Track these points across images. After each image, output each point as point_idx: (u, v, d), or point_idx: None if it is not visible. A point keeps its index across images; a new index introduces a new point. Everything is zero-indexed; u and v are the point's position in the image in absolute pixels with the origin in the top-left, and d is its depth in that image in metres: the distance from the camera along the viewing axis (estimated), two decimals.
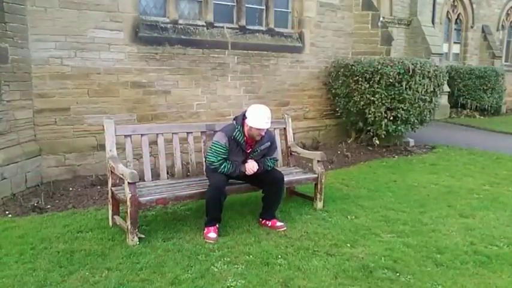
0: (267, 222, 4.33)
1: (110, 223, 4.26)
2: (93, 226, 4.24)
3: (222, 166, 4.11)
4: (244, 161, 4.21)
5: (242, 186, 4.46)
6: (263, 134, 4.16)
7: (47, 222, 4.33)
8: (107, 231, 4.10)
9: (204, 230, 4.07)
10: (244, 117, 4.16)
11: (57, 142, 5.73)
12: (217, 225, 4.09)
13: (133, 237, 3.80)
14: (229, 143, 4.10)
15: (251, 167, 4.17)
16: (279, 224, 4.30)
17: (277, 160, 4.57)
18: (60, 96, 5.69)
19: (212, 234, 3.98)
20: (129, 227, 3.77)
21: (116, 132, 4.21)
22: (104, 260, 3.52)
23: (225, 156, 4.11)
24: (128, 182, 3.72)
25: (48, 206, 4.83)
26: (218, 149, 4.10)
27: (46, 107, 5.60)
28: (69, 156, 5.81)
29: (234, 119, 4.27)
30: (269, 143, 4.33)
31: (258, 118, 4.08)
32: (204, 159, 4.78)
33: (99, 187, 5.49)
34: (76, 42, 5.69)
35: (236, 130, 4.13)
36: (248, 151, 4.23)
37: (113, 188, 4.18)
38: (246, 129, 4.14)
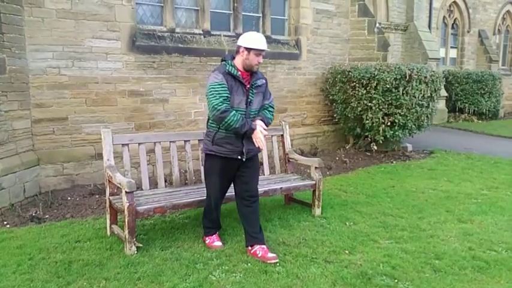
0: (258, 252, 3.79)
1: (108, 232, 4.25)
2: (91, 236, 4.24)
3: (231, 114, 3.59)
4: (246, 101, 3.74)
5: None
6: (261, 60, 3.76)
7: (45, 232, 4.33)
8: (105, 241, 4.09)
9: (205, 240, 4.05)
10: (232, 56, 3.80)
11: (55, 152, 5.73)
12: (217, 233, 4.10)
13: (131, 247, 3.79)
14: (226, 79, 3.65)
15: (261, 123, 3.75)
16: (270, 255, 3.76)
17: (273, 108, 4.06)
18: (58, 106, 5.70)
19: (218, 243, 3.97)
20: (127, 236, 3.77)
21: (113, 142, 4.21)
22: (102, 270, 3.52)
23: (227, 95, 3.63)
24: (126, 191, 3.72)
25: (47, 216, 4.83)
26: (216, 88, 3.62)
27: (44, 117, 5.62)
28: (67, 165, 5.82)
29: (221, 60, 3.84)
30: (265, 80, 3.93)
31: (256, 38, 3.73)
32: (201, 167, 4.79)
33: (97, 196, 5.49)
34: (73, 51, 5.72)
35: (228, 65, 3.71)
36: (247, 86, 3.77)
37: (110, 197, 4.18)
38: (240, 61, 3.73)
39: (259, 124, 3.75)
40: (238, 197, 3.97)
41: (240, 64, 3.74)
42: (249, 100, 3.77)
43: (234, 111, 3.61)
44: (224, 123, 3.62)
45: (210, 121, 3.83)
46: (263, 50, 3.73)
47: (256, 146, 3.76)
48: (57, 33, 5.59)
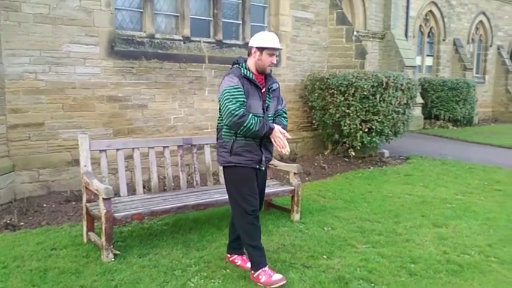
0: (236, 260, 3.78)
1: (85, 240, 4.20)
2: (68, 243, 4.18)
3: (250, 117, 3.31)
4: (263, 106, 3.50)
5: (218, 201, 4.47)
6: (274, 61, 3.52)
7: (20, 240, 4.25)
8: (82, 248, 4.04)
9: (259, 278, 3.43)
10: (244, 59, 3.56)
11: (31, 158, 5.64)
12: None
13: (108, 254, 3.75)
14: (242, 83, 3.39)
15: (280, 128, 3.46)
16: (248, 265, 3.65)
17: (286, 114, 3.83)
18: (35, 111, 5.62)
19: (277, 276, 3.41)
20: (104, 243, 3.73)
21: (90, 147, 4.18)
22: (78, 278, 3.47)
23: (243, 99, 3.35)
24: (103, 198, 3.69)
25: (22, 223, 4.74)
26: (232, 92, 3.34)
27: (20, 122, 5.53)
28: (44, 172, 5.73)
29: (233, 64, 3.58)
30: (278, 84, 3.70)
31: (269, 37, 3.49)
32: (180, 173, 4.79)
33: (74, 203, 5.42)
34: (51, 56, 5.66)
35: (242, 68, 3.45)
36: (262, 90, 3.52)
37: (87, 204, 4.13)
38: (252, 63, 3.48)
39: (276, 125, 3.49)
40: None
41: (253, 66, 3.49)
42: (266, 105, 3.52)
43: (252, 115, 3.34)
44: (243, 127, 3.32)
45: (224, 130, 3.47)
46: (277, 49, 3.51)
47: (278, 147, 3.44)
48: (35, 38, 5.52)
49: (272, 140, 3.45)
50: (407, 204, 5.73)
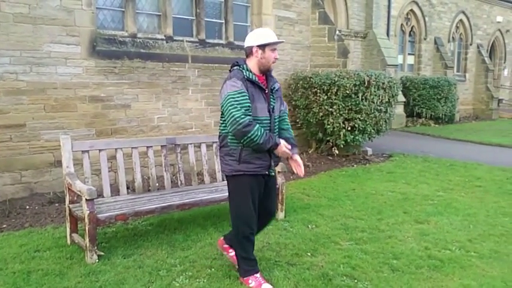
0: (230, 251, 3.72)
1: (68, 241, 4.17)
2: (51, 245, 4.14)
3: (255, 128, 3.13)
4: (269, 108, 3.34)
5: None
6: (277, 56, 3.40)
7: (2, 242, 4.20)
8: (65, 250, 4.01)
9: (248, 283, 3.38)
10: (246, 56, 3.41)
11: (13, 159, 5.56)
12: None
13: (92, 255, 3.74)
14: (246, 86, 3.22)
15: (285, 143, 3.32)
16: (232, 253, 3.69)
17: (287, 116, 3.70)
18: (16, 112, 5.54)
19: (268, 285, 3.34)
20: (88, 244, 3.71)
21: (72, 148, 4.15)
22: (62, 280, 3.45)
23: (248, 105, 3.17)
24: (86, 199, 3.67)
25: (4, 226, 4.68)
26: (236, 97, 3.15)
27: (1, 124, 5.44)
28: (26, 173, 5.66)
29: (232, 66, 3.41)
30: (279, 84, 3.56)
31: (266, 33, 3.36)
32: (165, 173, 4.79)
33: (57, 204, 5.37)
34: (32, 57, 5.58)
35: (244, 70, 3.29)
36: (266, 91, 3.36)
37: (70, 205, 4.11)
38: (254, 63, 3.32)
39: (282, 140, 3.32)
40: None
41: (255, 67, 3.33)
42: (271, 107, 3.36)
43: (258, 125, 3.16)
44: (247, 138, 3.13)
45: (230, 137, 3.28)
46: (279, 42, 3.39)
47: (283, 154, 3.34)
48: (15, 38, 5.44)
49: (278, 155, 3.33)
50: (390, 201, 5.81)
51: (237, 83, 3.19)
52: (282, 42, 3.43)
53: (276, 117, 3.42)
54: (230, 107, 3.14)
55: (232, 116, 3.12)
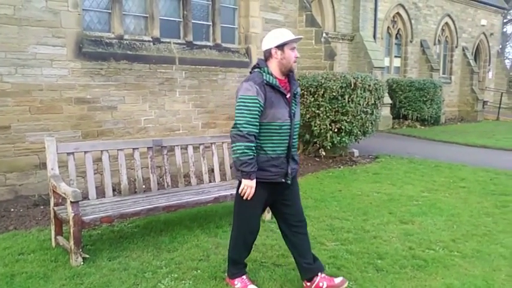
0: (321, 283, 3.34)
1: (53, 244, 4.14)
2: (36, 248, 4.11)
3: (244, 144, 3.02)
4: (290, 113, 3.19)
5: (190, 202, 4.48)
6: (298, 54, 3.26)
7: None
8: (50, 253, 3.99)
9: (234, 284, 3.38)
10: (265, 60, 3.23)
11: None
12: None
13: (77, 258, 3.72)
14: (264, 91, 3.07)
15: (252, 185, 3.12)
16: (337, 280, 3.39)
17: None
18: (0, 114, 5.49)
19: (253, 287, 3.35)
20: (73, 247, 3.69)
21: (57, 150, 4.13)
22: (46, 283, 3.43)
23: (257, 113, 3.04)
24: (71, 201, 3.65)
25: None
26: (247, 102, 3.04)
27: None
28: (10, 175, 5.61)
29: (253, 68, 3.27)
30: (299, 89, 3.41)
31: (282, 32, 3.21)
32: (151, 175, 4.78)
33: (42, 207, 5.33)
34: (17, 58, 5.54)
35: (264, 73, 3.14)
36: (287, 95, 3.20)
37: (55, 207, 4.08)
38: (275, 66, 3.18)
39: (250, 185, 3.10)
40: (284, 225, 3.39)
41: (276, 69, 3.19)
42: (292, 112, 3.21)
43: (248, 144, 3.02)
44: (234, 146, 3.05)
45: None
46: (298, 40, 3.25)
47: (241, 192, 3.16)
48: None
49: (239, 190, 3.16)
50: (375, 202, 5.87)
51: (251, 88, 3.06)
52: (301, 38, 3.31)
53: (296, 122, 3.29)
54: (238, 110, 3.07)
55: (236, 120, 3.07)
